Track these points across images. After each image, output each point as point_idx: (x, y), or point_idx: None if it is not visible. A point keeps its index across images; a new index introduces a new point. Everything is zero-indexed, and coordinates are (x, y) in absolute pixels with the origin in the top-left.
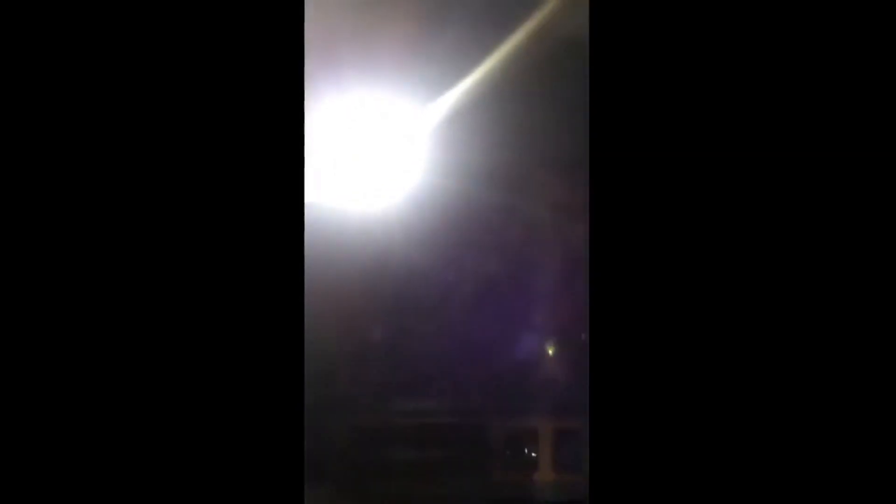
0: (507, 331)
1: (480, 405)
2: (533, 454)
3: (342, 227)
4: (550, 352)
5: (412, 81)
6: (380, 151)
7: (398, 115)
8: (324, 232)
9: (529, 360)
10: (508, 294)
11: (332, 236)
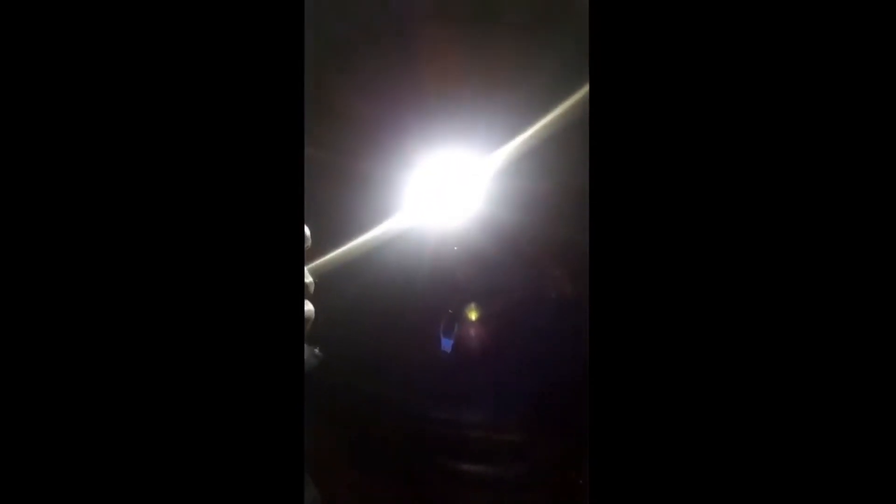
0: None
1: (529, 422)
2: (580, 481)
3: (419, 246)
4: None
5: (482, 132)
6: (453, 183)
7: (470, 157)
8: (399, 252)
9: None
10: (557, 312)
11: (406, 253)
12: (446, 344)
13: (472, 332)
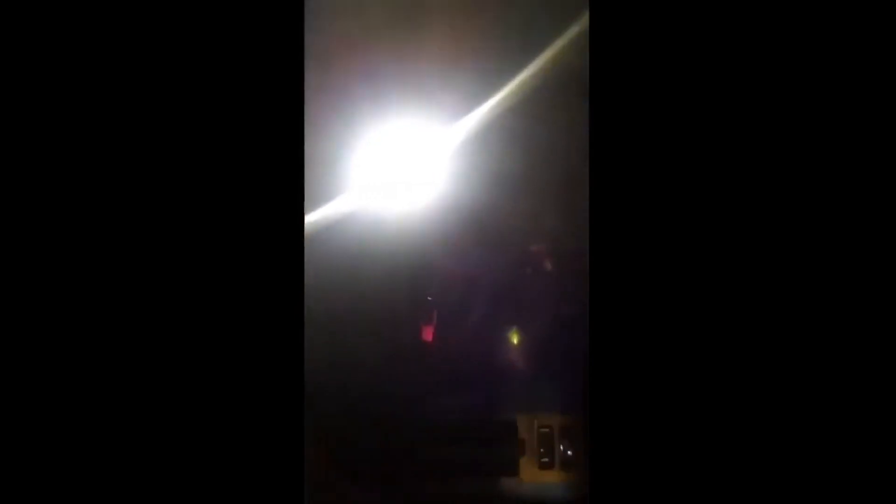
0: (542, 327)
1: (514, 402)
2: (569, 452)
3: (383, 229)
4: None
5: (441, 104)
6: (412, 161)
7: (430, 132)
8: (365, 234)
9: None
10: (540, 292)
11: (371, 239)
12: (425, 333)
13: (441, 321)
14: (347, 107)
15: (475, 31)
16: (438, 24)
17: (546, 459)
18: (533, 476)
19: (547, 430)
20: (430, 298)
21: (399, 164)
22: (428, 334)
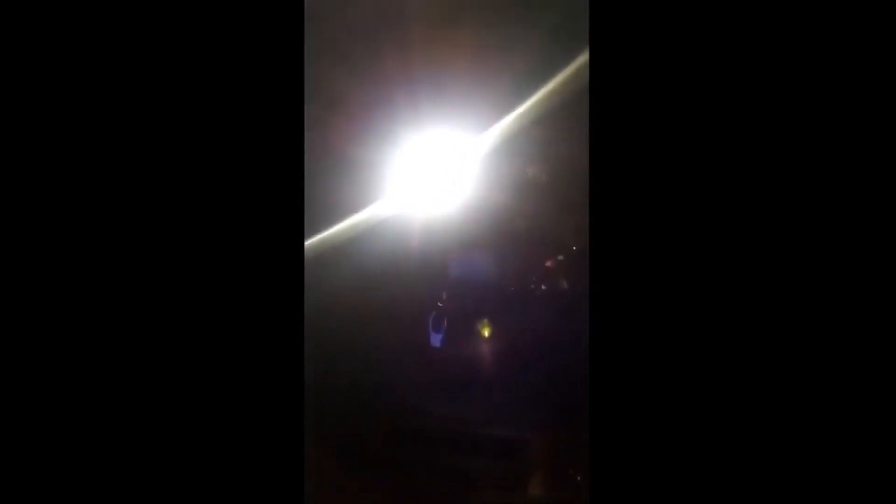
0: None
1: (524, 416)
2: (578, 477)
3: (406, 233)
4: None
5: (470, 113)
6: (441, 167)
7: (458, 140)
8: (386, 238)
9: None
10: (555, 302)
11: (393, 242)
12: (436, 339)
13: (464, 325)
14: (384, 118)
15: (503, 48)
16: (468, 41)
17: (555, 478)
18: (541, 494)
19: (558, 447)
20: (440, 304)
21: (419, 173)
22: (437, 340)
